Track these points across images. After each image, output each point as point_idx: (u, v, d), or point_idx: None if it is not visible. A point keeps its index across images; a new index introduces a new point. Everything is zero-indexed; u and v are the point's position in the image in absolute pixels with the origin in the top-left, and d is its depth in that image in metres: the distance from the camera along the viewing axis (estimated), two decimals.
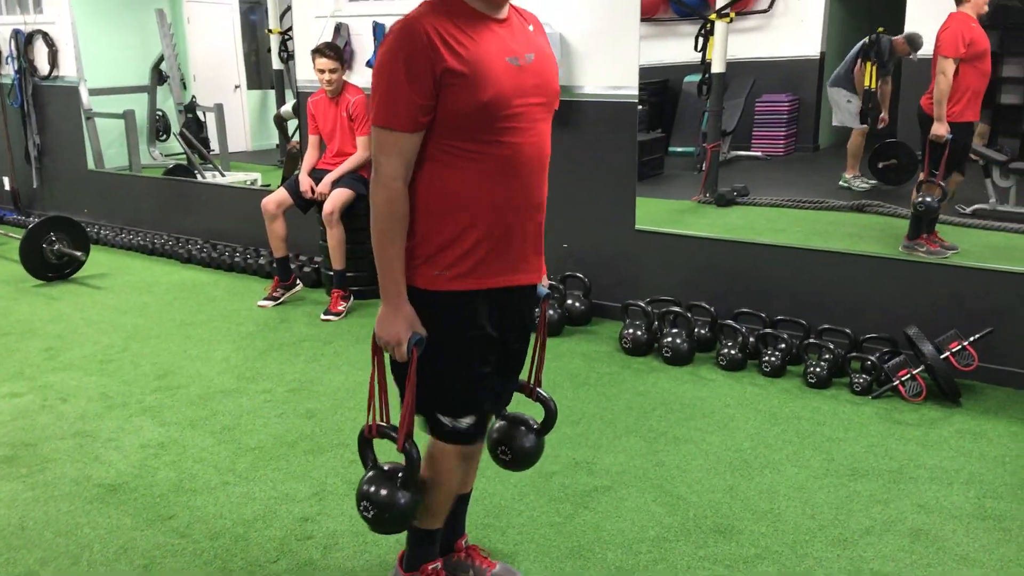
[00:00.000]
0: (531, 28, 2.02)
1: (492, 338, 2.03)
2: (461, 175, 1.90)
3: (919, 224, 5.32)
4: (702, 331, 4.25)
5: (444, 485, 2.18)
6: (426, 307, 1.96)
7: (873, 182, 7.53)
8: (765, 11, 9.56)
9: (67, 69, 7.32)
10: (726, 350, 4.06)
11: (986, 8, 5.09)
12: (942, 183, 5.22)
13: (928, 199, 5.18)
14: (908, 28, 9.08)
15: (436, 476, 2.15)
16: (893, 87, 7.54)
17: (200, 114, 9.12)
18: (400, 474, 2.06)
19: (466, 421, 2.06)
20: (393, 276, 1.92)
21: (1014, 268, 4.11)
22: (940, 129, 5.07)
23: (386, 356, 2.01)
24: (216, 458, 3.27)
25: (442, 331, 1.98)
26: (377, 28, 5.26)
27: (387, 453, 2.20)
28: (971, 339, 3.64)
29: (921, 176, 5.25)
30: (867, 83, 7.29)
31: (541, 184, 2.03)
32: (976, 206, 5.65)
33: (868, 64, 7.20)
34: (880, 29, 7.21)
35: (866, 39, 7.21)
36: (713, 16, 6.70)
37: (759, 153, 9.52)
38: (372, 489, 2.06)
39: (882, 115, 7.48)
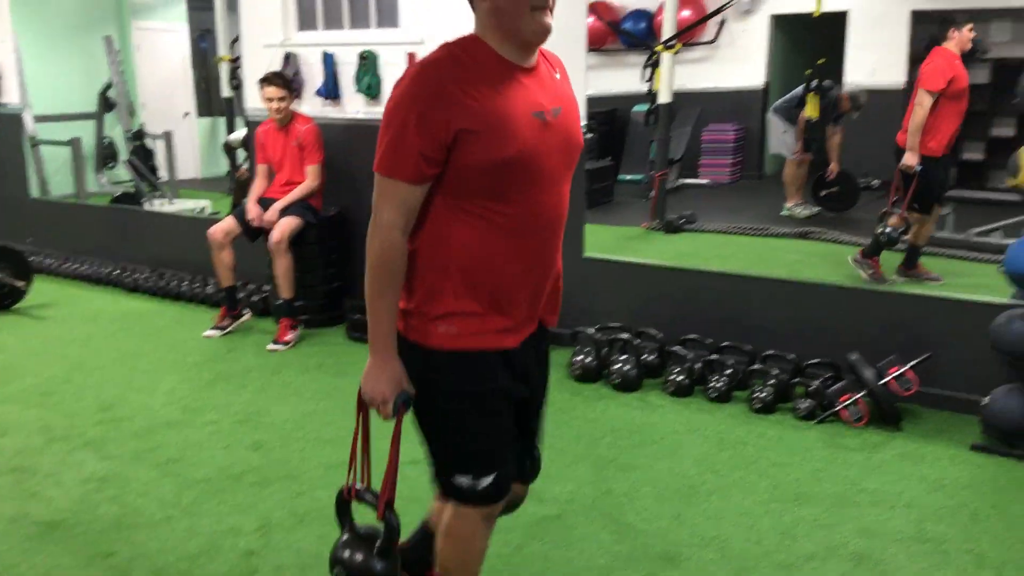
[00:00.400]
0: (558, 76, 1.88)
1: (509, 391, 1.91)
2: (476, 234, 1.78)
3: (878, 247, 5.46)
4: (650, 357, 4.29)
5: (471, 552, 2.04)
6: (441, 367, 1.84)
7: (816, 209, 7.70)
8: (711, 42, 9.77)
9: (10, 96, 7.19)
10: (673, 376, 4.11)
11: (970, 45, 5.20)
12: (905, 214, 5.35)
13: (888, 230, 5.31)
14: (848, 58, 9.34)
15: (461, 543, 2.02)
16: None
17: (149, 141, 9.03)
18: (378, 541, 1.95)
19: (486, 480, 1.90)
20: (382, 329, 1.81)
21: (951, 294, 4.23)
22: (911, 159, 5.18)
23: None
24: (160, 492, 3.22)
25: (459, 390, 1.86)
26: (327, 58, 5.27)
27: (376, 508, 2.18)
28: (910, 364, 3.72)
29: (889, 207, 5.38)
30: (808, 112, 7.45)
31: (558, 244, 1.92)
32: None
33: (811, 95, 7.36)
34: (821, 61, 7.39)
35: (814, 82, 7.34)
36: (659, 47, 6.83)
37: (706, 180, 9.69)
38: (347, 555, 1.96)
39: (832, 165, 7.62)
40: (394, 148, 1.72)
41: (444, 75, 1.70)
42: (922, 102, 5.11)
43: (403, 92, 1.72)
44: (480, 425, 1.89)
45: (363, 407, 1.90)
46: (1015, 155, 3.84)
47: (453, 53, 1.75)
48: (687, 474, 3.32)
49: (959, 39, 5.17)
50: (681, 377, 4.09)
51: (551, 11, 1.75)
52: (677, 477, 3.30)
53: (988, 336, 3.53)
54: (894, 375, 3.69)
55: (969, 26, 5.16)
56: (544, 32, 1.75)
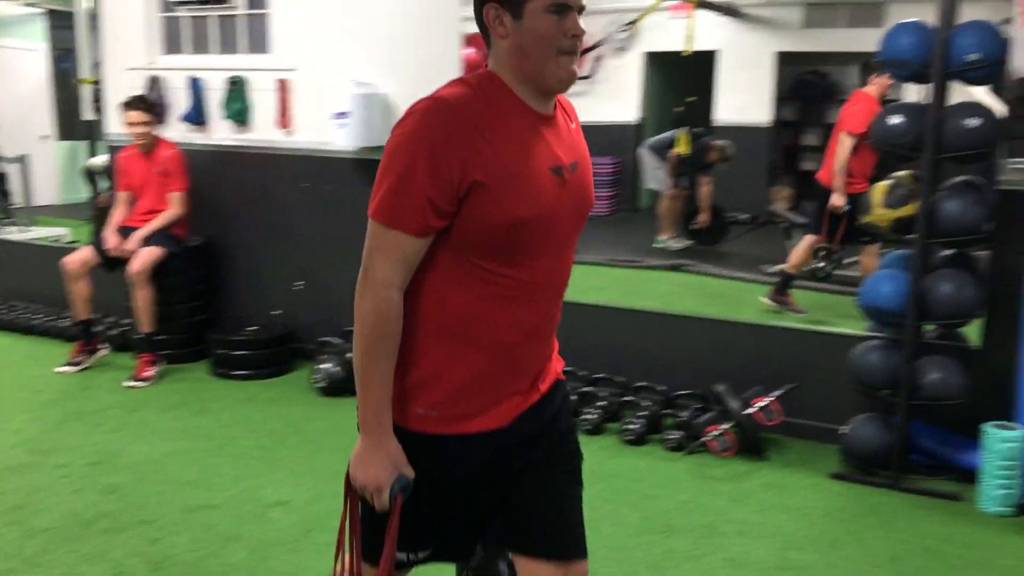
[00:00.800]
0: (573, 126, 1.70)
1: (480, 475, 1.69)
2: (473, 298, 1.58)
3: (787, 282, 5.61)
4: None
5: None
6: (406, 447, 1.62)
7: (688, 242, 7.91)
8: (587, 77, 9.96)
9: None
10: None
11: (889, 91, 5.37)
12: (835, 249, 5.51)
13: (822, 264, 5.47)
14: (718, 96, 9.68)
15: None
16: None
17: (2, 165, 8.55)
18: None
19: (413, 556, 1.72)
20: (375, 404, 1.57)
21: (814, 327, 4.38)
22: (838, 200, 5.31)
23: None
24: (0, 543, 2.99)
25: (421, 473, 1.63)
26: (194, 83, 5.11)
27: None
28: (775, 394, 3.82)
29: (812, 240, 5.53)
30: (679, 149, 7.66)
31: (560, 309, 1.74)
32: (779, 267, 6.01)
33: (682, 133, 7.58)
34: (690, 99, 7.63)
35: (684, 127, 7.58)
36: None
37: None
38: None
39: (701, 216, 7.85)
40: (396, 193, 1.49)
41: (461, 114, 1.50)
42: (844, 143, 5.26)
43: (412, 129, 1.49)
44: (437, 509, 1.69)
45: (352, 492, 1.65)
46: (867, 193, 4.04)
47: (471, 91, 1.54)
48: None
49: (879, 84, 5.33)
50: None
51: (578, 57, 1.58)
52: None
53: (847, 367, 3.66)
54: (759, 406, 3.78)
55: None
56: (570, 81, 1.58)
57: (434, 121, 1.48)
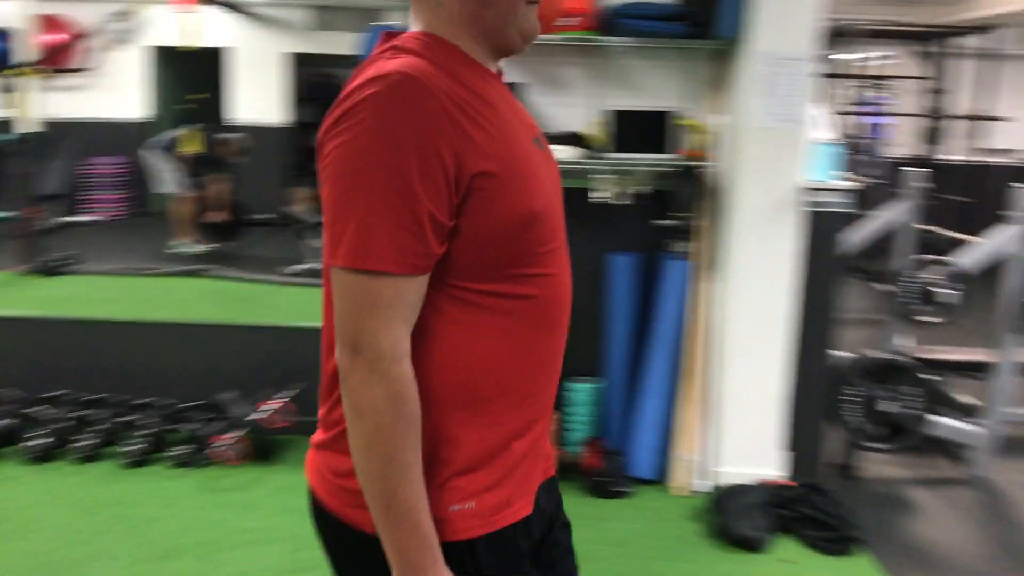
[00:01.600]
0: None
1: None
2: (486, 339, 1.15)
3: None
4: (5, 422, 3.77)
5: None
6: (474, 566, 1.17)
7: (207, 247, 7.64)
8: (83, 70, 9.19)
9: None
10: (34, 441, 3.65)
11: None
12: None
13: None
14: (230, 94, 9.50)
15: None
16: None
17: None
18: None
19: None
20: (419, 528, 1.10)
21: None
22: None
23: None
24: None
25: None
26: None
27: None
28: (286, 395, 3.79)
29: None
30: (188, 148, 7.38)
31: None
32: (296, 267, 6.05)
33: (191, 131, 7.30)
34: (199, 96, 7.37)
35: (191, 123, 7.34)
36: (13, 71, 6.17)
37: (91, 217, 9.06)
38: None
39: (219, 213, 7.68)
40: (380, 220, 1.03)
41: (437, 89, 1.06)
42: None
43: (377, 122, 1.03)
44: None
45: None
46: None
47: (423, 59, 1.10)
48: (41, 551, 2.94)
49: None
50: (43, 440, 3.65)
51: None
52: (29, 557, 2.90)
53: None
54: (268, 409, 3.72)
55: None
56: (535, 36, 1.21)
57: (408, 104, 1.04)
